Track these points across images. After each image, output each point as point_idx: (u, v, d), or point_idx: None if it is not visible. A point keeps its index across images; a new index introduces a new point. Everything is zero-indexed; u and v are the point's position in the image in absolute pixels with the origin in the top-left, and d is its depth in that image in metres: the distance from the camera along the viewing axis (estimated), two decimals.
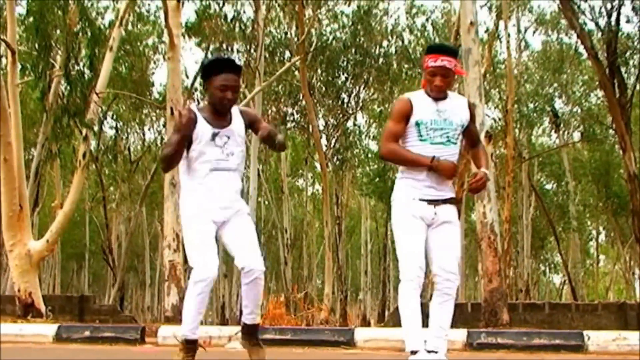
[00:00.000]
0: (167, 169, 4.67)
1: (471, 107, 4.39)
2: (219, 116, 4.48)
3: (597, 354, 6.63)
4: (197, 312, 4.39)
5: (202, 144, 4.45)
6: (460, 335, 7.08)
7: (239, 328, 7.65)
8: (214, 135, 4.44)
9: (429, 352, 4.06)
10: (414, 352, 4.06)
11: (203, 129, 4.45)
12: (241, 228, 4.51)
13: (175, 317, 10.69)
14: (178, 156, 4.43)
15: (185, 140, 4.40)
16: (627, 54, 19.36)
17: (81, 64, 13.36)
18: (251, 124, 4.61)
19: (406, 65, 25.26)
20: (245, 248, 4.47)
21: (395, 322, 11.13)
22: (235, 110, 4.55)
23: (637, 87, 17.41)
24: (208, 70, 4.49)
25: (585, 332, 7.05)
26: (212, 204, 4.45)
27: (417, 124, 4.20)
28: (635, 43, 19.21)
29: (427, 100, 4.24)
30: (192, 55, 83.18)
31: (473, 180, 4.21)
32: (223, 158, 4.44)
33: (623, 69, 16.00)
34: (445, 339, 4.12)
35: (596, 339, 6.88)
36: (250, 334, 4.55)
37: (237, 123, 4.53)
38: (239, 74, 4.51)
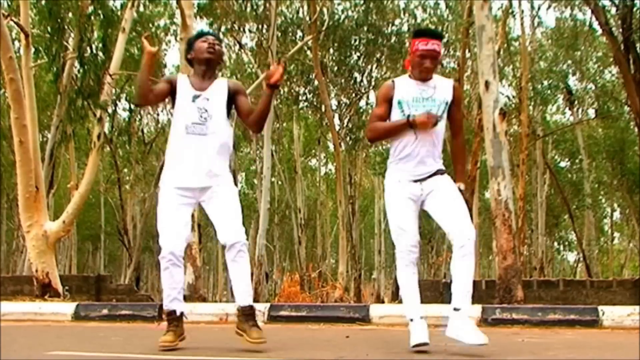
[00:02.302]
0: (139, 100, 4.68)
1: (457, 90, 4.49)
2: (203, 80, 4.62)
3: (612, 329, 6.64)
4: (168, 286, 4.56)
5: (181, 103, 4.57)
6: (475, 311, 7.08)
7: (254, 305, 7.72)
8: (195, 97, 4.55)
9: (454, 309, 4.24)
10: (411, 320, 4.40)
11: (185, 88, 4.60)
12: (222, 202, 4.56)
13: (192, 296, 10.80)
14: (145, 86, 4.55)
15: (149, 67, 4.61)
16: None
17: (94, 46, 13.37)
18: (235, 94, 4.68)
19: None
20: (226, 223, 4.52)
21: None
22: (220, 80, 4.70)
23: None
24: (192, 42, 4.75)
25: (600, 308, 7.05)
26: (184, 172, 4.52)
27: (399, 103, 4.38)
28: None
29: (410, 81, 4.41)
30: None
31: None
32: (199, 122, 4.50)
33: (638, 45, 15.78)
34: (468, 296, 4.23)
35: (611, 314, 6.88)
36: (248, 315, 4.49)
37: (220, 88, 4.64)
38: (220, 40, 4.77)
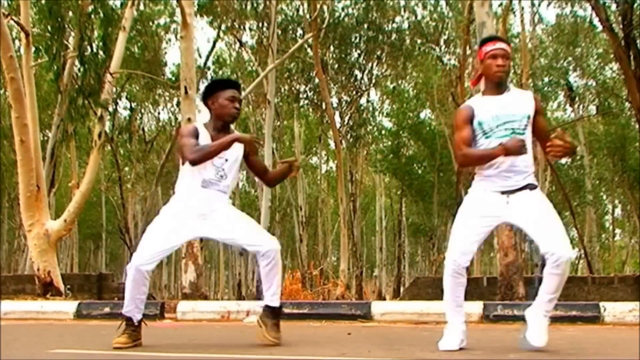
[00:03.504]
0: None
1: (537, 100, 4.34)
2: (220, 134, 4.62)
3: (614, 325, 6.64)
4: (132, 296, 4.59)
5: (202, 164, 4.57)
6: (477, 307, 7.11)
7: (256, 303, 7.76)
8: (218, 157, 4.59)
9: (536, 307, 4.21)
10: (449, 322, 4.34)
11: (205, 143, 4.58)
12: (235, 218, 4.66)
13: (194, 294, 10.80)
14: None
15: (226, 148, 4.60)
16: None
17: (94, 44, 13.36)
18: (248, 154, 4.79)
19: (419, 41, 25.11)
20: (254, 233, 4.62)
21: (411, 296, 11.20)
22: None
23: None
24: (213, 87, 4.73)
25: (601, 304, 7.05)
26: (190, 215, 4.57)
27: (480, 123, 4.26)
28: None
29: (487, 98, 4.28)
30: (204, 35, 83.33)
31: (557, 137, 4.07)
32: (215, 179, 4.60)
33: (639, 41, 15.76)
34: (549, 304, 4.17)
35: (612, 310, 6.88)
36: (275, 315, 4.65)
37: (237, 149, 4.66)
38: (240, 88, 4.81)
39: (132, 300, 4.59)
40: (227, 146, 4.49)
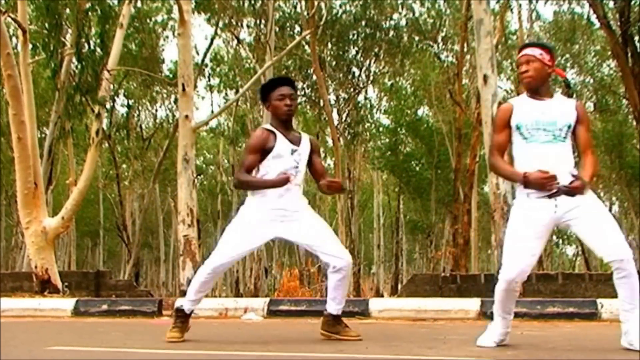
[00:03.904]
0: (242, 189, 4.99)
1: (580, 109, 4.25)
2: (289, 132, 4.81)
3: (611, 322, 6.64)
4: (197, 290, 4.78)
5: (281, 154, 4.73)
6: (474, 304, 7.12)
7: (254, 300, 7.77)
8: (293, 151, 4.78)
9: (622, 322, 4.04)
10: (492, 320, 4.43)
11: (282, 141, 4.76)
12: (314, 226, 4.79)
13: None
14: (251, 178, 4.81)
15: (258, 160, 4.74)
16: None
17: (92, 41, 13.37)
18: (312, 152, 4.93)
19: (417, 38, 25.12)
20: (332, 244, 4.78)
21: (409, 293, 11.20)
22: (304, 136, 4.93)
23: None
24: (265, 89, 4.87)
25: (598, 300, 7.06)
26: (272, 216, 4.71)
27: (518, 127, 4.17)
28: None
29: (529, 100, 4.21)
30: (201, 32, 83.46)
31: (571, 186, 4.05)
32: (293, 172, 4.74)
33: (636, 38, 15.77)
34: (634, 312, 3.95)
35: (609, 306, 6.88)
36: (338, 320, 4.84)
37: (306, 144, 4.87)
38: (293, 86, 4.90)
39: (196, 293, 4.77)
40: (271, 186, 4.65)
